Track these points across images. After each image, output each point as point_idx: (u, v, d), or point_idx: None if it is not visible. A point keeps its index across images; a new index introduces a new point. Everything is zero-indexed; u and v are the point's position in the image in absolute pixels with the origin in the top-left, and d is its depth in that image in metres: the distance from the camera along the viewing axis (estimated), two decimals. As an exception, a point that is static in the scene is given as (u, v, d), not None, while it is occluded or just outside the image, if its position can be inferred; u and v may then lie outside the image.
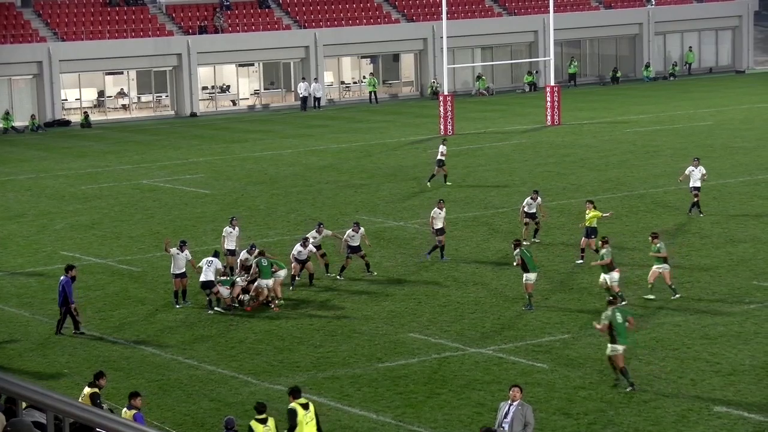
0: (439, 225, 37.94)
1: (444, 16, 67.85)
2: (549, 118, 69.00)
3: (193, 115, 78.98)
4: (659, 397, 25.87)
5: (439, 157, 51.05)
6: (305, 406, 21.68)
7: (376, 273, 36.65)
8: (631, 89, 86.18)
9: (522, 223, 39.84)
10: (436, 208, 38.33)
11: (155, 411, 25.69)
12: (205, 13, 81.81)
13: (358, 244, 36.39)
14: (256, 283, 34.06)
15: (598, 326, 26.92)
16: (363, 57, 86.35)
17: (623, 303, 31.56)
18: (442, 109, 66.30)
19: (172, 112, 79.87)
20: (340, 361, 29.08)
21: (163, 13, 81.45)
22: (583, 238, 37.48)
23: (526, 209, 39.53)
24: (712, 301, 32.95)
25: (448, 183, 50.76)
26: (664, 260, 33.23)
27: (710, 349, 28.87)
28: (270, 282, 33.87)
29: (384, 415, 25.41)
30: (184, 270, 34.04)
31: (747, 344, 29.18)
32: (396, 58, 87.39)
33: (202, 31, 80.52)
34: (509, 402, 21.83)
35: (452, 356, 29.09)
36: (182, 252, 34.11)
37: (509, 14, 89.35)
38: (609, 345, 26.67)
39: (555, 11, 72.46)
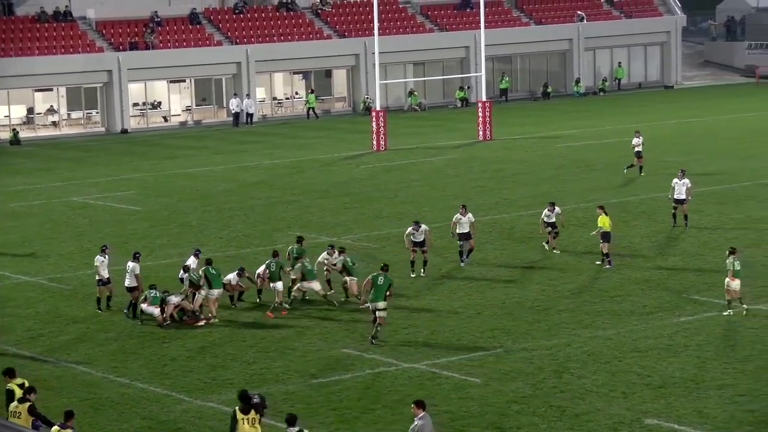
0: (462, 230, 38.72)
1: (376, 32, 67.99)
2: (481, 133, 69.32)
3: (124, 131, 78.47)
4: (591, 411, 26.06)
5: (637, 149, 53.97)
6: (22, 386, 24.17)
7: (423, 273, 37.79)
8: (562, 104, 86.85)
9: (545, 233, 40.45)
10: (458, 214, 38.93)
11: (87, 430, 25.47)
12: (136, 29, 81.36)
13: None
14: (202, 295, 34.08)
15: (364, 283, 32.05)
16: (295, 73, 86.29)
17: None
18: (374, 124, 66.39)
19: (103, 129, 79.28)
20: (273, 378, 29.01)
21: (92, 29, 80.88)
22: (602, 243, 38.30)
23: (545, 219, 40.19)
24: (643, 314, 33.25)
25: (642, 174, 53.33)
26: (348, 272, 35.13)
27: (641, 362, 29.14)
28: (220, 291, 34.10)
29: (318, 431, 25.36)
30: (108, 277, 35.07)
31: (677, 357, 29.48)
32: (328, 73, 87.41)
33: (133, 47, 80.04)
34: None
35: (386, 371, 29.11)
36: (105, 258, 35.13)
37: (441, 30, 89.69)
38: (369, 302, 31.34)
39: (486, 27, 72.83)
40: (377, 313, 31.22)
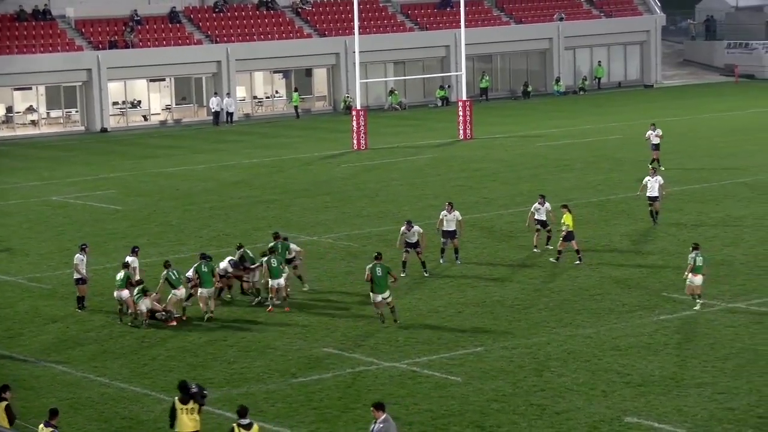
0: (449, 227, 38.76)
1: (356, 30, 67.99)
2: (461, 132, 69.40)
3: (104, 130, 78.29)
4: (571, 409, 26.12)
5: (653, 141, 54.75)
6: None
7: (426, 274, 37.68)
8: (542, 103, 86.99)
9: (533, 230, 40.31)
10: (444, 211, 38.93)
11: (66, 430, 25.39)
12: (115, 28, 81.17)
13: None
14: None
15: (365, 276, 32.62)
16: (275, 72, 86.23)
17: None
18: (355, 123, 66.40)
19: (82, 128, 79.09)
20: (254, 377, 29.00)
21: (72, 27, 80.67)
22: (562, 241, 38.46)
23: (536, 216, 40.07)
24: (623, 312, 33.34)
25: (661, 168, 52.79)
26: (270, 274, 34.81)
27: (621, 361, 29.22)
28: (210, 290, 33.93)
29: (298, 430, 25.41)
30: (85, 276, 35.03)
31: (657, 355, 29.58)
32: (309, 72, 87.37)
33: (113, 46, 79.86)
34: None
35: (366, 370, 29.13)
36: (84, 256, 35.19)
37: (421, 29, 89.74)
38: (371, 293, 32.28)
39: (466, 26, 72.91)
40: (386, 300, 32.35)
